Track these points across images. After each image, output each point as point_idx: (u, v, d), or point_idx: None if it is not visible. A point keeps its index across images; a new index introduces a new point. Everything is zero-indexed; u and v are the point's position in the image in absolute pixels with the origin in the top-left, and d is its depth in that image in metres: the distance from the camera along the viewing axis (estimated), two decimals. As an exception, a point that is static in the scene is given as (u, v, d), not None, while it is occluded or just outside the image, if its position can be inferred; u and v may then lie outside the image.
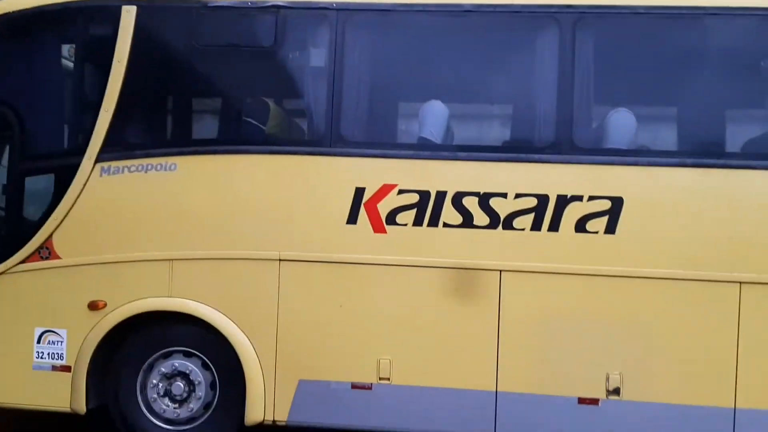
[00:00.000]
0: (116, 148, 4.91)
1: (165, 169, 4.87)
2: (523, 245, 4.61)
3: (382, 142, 4.94)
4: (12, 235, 5.00)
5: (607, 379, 4.54)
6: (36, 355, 4.92)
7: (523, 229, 4.61)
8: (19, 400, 4.96)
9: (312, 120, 4.95)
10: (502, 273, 4.63)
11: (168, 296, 4.86)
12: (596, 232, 4.56)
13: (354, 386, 4.72)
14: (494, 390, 4.63)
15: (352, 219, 4.73)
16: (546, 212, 4.60)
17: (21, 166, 4.98)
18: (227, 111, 5.22)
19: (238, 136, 5.03)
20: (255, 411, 4.77)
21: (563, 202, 4.59)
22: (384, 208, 4.71)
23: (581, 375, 4.58)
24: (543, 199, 4.60)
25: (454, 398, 4.65)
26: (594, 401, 4.56)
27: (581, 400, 4.57)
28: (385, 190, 4.71)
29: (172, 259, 4.85)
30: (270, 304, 4.78)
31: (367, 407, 4.72)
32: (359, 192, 4.72)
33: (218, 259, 4.83)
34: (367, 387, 4.71)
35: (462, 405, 4.64)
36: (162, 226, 4.88)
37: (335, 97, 4.76)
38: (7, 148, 5.03)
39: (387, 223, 4.70)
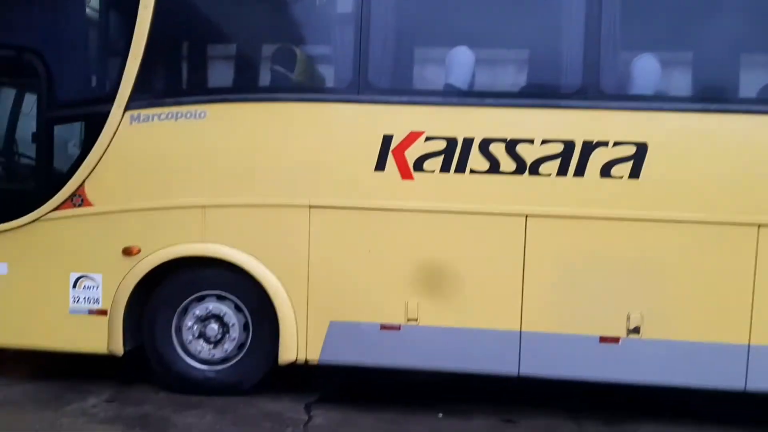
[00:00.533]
0: (145, 96, 4.94)
1: (195, 117, 4.92)
2: (548, 190, 4.72)
3: (409, 90, 5.00)
4: (44, 183, 5.07)
5: (628, 318, 4.71)
6: (72, 299, 5.06)
7: (549, 175, 4.71)
8: (57, 343, 5.11)
9: (340, 68, 4.98)
10: (528, 218, 4.75)
11: (201, 242, 4.97)
12: (621, 177, 4.66)
13: (383, 327, 4.89)
14: (519, 330, 4.80)
15: (380, 166, 4.81)
16: (572, 158, 4.69)
17: (49, 115, 5.02)
18: (255, 58, 5.25)
19: (267, 84, 5.07)
20: (288, 351, 4.95)
21: (589, 147, 4.67)
22: (411, 155, 4.79)
23: (603, 315, 4.75)
24: (569, 145, 4.69)
25: (479, 338, 4.82)
26: (615, 340, 4.75)
27: (602, 339, 4.75)
28: (412, 137, 4.78)
29: (204, 206, 4.95)
30: (301, 250, 4.91)
31: (396, 347, 4.89)
32: (387, 139, 4.79)
33: (249, 206, 4.93)
34: (396, 328, 4.88)
35: (487, 344, 4.82)
36: (193, 174, 4.96)
37: (362, 44, 4.79)
38: (36, 96, 5.04)
39: (414, 170, 4.79)
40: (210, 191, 4.95)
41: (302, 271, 4.92)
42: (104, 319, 5.05)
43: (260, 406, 4.94)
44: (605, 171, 4.68)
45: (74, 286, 5.06)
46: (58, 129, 5.07)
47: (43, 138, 5.02)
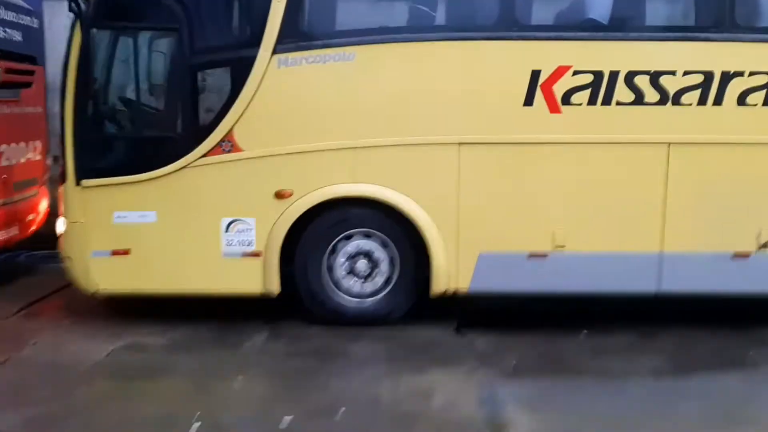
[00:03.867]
0: (292, 39, 4.94)
1: (343, 60, 4.96)
2: (690, 119, 4.99)
3: (557, 25, 5.11)
4: (191, 130, 5.06)
5: (759, 234, 5.10)
6: (225, 243, 5.15)
7: (690, 104, 4.97)
8: (211, 286, 5.22)
9: (488, 5, 5.04)
10: (671, 146, 5.02)
11: (352, 182, 5.09)
12: (755, 105, 4.96)
13: (531, 255, 5.17)
14: (659, 251, 5.14)
15: (529, 101, 4.98)
16: (711, 88, 4.94)
17: (196, 60, 4.97)
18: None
19: (415, 24, 5.11)
20: (440, 282, 5.20)
21: (727, 77, 4.93)
22: (559, 89, 4.97)
23: (736, 233, 5.12)
24: (709, 76, 4.93)
25: (623, 261, 5.15)
26: (746, 255, 5.14)
27: (735, 255, 5.14)
28: (560, 71, 4.95)
29: (355, 147, 5.05)
30: (451, 186, 5.09)
31: (542, 273, 5.19)
32: (535, 74, 4.95)
33: (400, 145, 5.05)
34: (543, 255, 5.16)
35: (630, 266, 5.16)
36: (343, 116, 5.03)
37: None
38: (181, 42, 4.96)
39: (562, 104, 4.98)
40: (360, 133, 5.05)
41: (452, 206, 5.12)
42: (258, 260, 5.17)
43: (417, 333, 5.21)
44: (741, 99, 4.95)
45: (227, 230, 5.14)
46: (204, 75, 5.04)
47: (190, 84, 4.98)
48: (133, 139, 5.30)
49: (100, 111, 5.10)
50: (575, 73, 4.95)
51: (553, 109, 5.00)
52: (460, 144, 5.04)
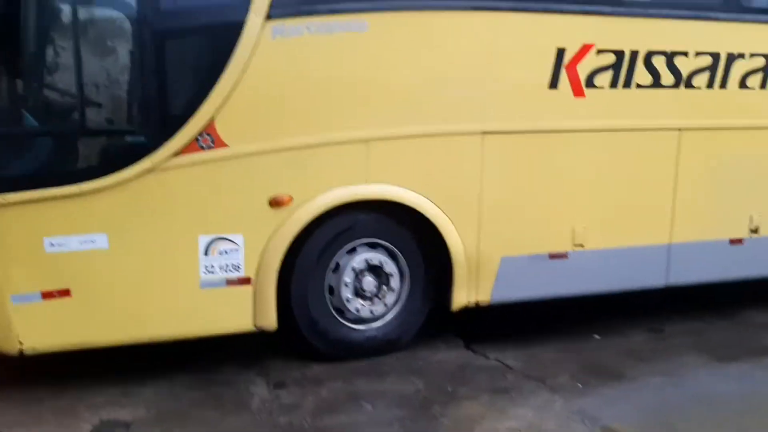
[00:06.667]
0: (291, 2, 3.84)
1: (353, 29, 3.98)
2: (700, 103, 4.79)
3: None
4: (158, 120, 3.72)
5: (751, 219, 5.08)
6: (203, 270, 3.90)
7: (699, 88, 4.76)
8: (187, 328, 3.95)
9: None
10: (682, 131, 4.78)
11: (365, 183, 4.14)
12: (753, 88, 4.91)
13: (551, 256, 4.63)
14: (668, 243, 4.89)
15: (554, 83, 4.42)
16: (717, 70, 4.78)
17: (161, 25, 3.64)
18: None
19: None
20: (461, 294, 4.46)
21: (731, 59, 4.81)
22: (583, 69, 4.47)
23: (732, 218, 5.04)
24: (716, 57, 4.76)
25: (635, 255, 4.81)
26: (741, 240, 5.10)
27: (731, 241, 5.08)
28: (584, 50, 4.45)
29: (368, 140, 4.10)
30: (473, 182, 4.37)
31: (563, 275, 4.68)
32: (560, 53, 4.40)
33: (419, 136, 4.21)
34: (563, 255, 4.66)
35: (646, 259, 4.85)
36: (354, 100, 4.06)
37: None
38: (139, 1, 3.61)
39: (586, 86, 4.49)
40: (374, 121, 4.11)
41: (473, 205, 4.40)
42: (248, 288, 4.01)
43: (435, 358, 4.44)
44: (742, 82, 4.87)
45: (206, 252, 3.90)
46: (176, 46, 3.73)
47: (155, 58, 3.65)
48: (73, 133, 3.74)
49: (21, 94, 3.57)
50: (599, 52, 4.48)
51: (578, 92, 4.48)
52: (483, 133, 4.33)
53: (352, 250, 4.30)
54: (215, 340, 4.10)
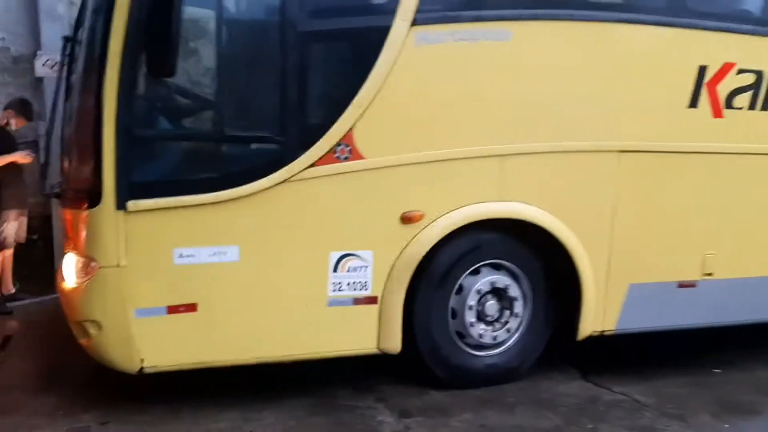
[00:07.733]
0: (436, 8, 3.64)
1: (498, 38, 3.76)
2: None
3: (725, 14, 4.34)
4: (296, 128, 3.51)
5: None
6: (332, 287, 3.69)
7: (837, 112, 4.50)
8: (310, 348, 3.73)
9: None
10: None
11: (498, 200, 3.91)
12: None
13: (680, 285, 4.37)
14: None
15: (693, 102, 4.18)
16: None
17: (304, 30, 3.44)
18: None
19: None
20: (587, 322, 4.20)
21: None
22: (723, 89, 4.23)
23: None
24: None
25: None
26: None
27: None
28: (726, 68, 4.22)
29: (503, 155, 3.87)
30: (606, 203, 4.13)
31: (690, 305, 4.41)
32: (702, 71, 4.16)
33: (554, 152, 3.98)
34: (692, 285, 4.39)
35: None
36: (492, 112, 3.84)
37: None
38: (283, 5, 3.41)
39: (725, 107, 4.25)
40: (509, 135, 3.88)
41: (606, 227, 4.16)
42: (374, 308, 3.78)
43: (557, 390, 4.18)
44: None
45: (335, 269, 3.68)
46: (317, 52, 3.52)
47: (296, 64, 3.45)
48: (209, 141, 3.56)
49: (159, 100, 3.36)
50: (739, 71, 4.24)
51: (717, 113, 4.24)
52: (620, 152, 4.09)
53: (475, 272, 4.06)
54: (320, 362, 3.86)
